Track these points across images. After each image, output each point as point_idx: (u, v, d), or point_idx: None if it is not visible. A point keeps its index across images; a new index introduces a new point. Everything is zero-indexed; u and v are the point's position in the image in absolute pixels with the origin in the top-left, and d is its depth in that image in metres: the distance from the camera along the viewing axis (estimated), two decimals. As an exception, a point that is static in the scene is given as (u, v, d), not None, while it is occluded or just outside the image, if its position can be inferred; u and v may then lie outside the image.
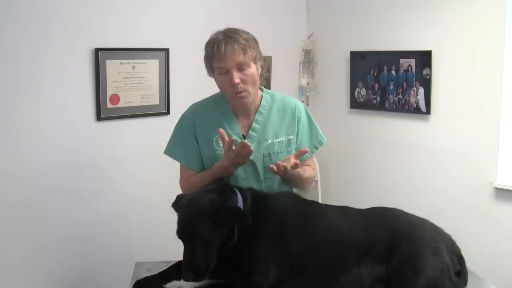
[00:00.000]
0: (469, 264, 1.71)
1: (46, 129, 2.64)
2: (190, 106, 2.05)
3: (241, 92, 1.86)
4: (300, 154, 1.85)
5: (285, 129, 1.99)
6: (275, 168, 1.78)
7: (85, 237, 2.82)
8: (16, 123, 2.54)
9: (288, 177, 1.89)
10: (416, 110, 3.38)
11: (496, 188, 3.05)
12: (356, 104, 3.75)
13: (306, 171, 1.98)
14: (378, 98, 3.60)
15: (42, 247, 2.64)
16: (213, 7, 3.30)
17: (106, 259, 2.89)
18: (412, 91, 3.39)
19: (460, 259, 1.67)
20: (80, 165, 2.78)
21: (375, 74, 3.59)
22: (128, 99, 2.95)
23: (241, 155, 1.77)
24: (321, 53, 3.94)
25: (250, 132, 1.97)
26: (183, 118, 2.03)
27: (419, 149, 3.41)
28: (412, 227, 1.67)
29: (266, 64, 3.65)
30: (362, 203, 1.91)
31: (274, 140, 1.97)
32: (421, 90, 3.33)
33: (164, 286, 1.67)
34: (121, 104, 2.92)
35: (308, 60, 3.94)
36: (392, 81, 3.51)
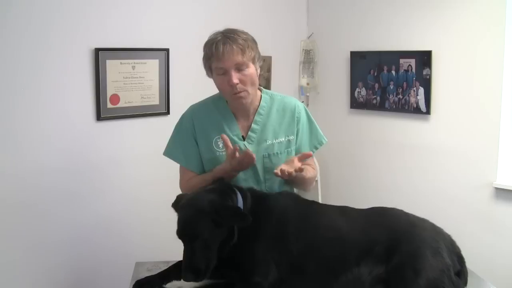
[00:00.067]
0: (469, 264, 1.71)
1: (46, 129, 2.63)
2: (190, 107, 2.05)
3: (239, 92, 1.86)
4: (303, 157, 1.85)
5: (285, 129, 1.99)
6: (279, 173, 1.78)
7: (85, 237, 2.81)
8: (16, 123, 2.53)
9: (292, 179, 1.89)
10: (416, 110, 3.38)
11: (496, 188, 3.05)
12: (356, 104, 3.75)
13: (307, 171, 1.98)
14: (378, 98, 3.60)
15: (42, 247, 2.64)
16: (213, 7, 3.30)
17: (106, 259, 2.89)
18: (412, 91, 3.39)
19: (460, 259, 1.67)
20: (79, 165, 2.78)
21: (375, 74, 3.59)
22: (128, 99, 2.95)
23: (243, 163, 1.79)
24: (321, 53, 3.94)
25: (249, 133, 1.97)
26: (182, 119, 2.03)
27: (419, 149, 3.41)
28: (412, 227, 1.67)
29: (266, 64, 3.65)
30: (362, 203, 1.91)
31: (274, 141, 1.97)
32: (421, 90, 3.33)
33: (164, 286, 1.67)
34: (121, 104, 2.92)
35: (308, 60, 3.94)
36: (392, 81, 3.51)
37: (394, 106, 3.52)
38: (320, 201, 3.53)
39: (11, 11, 2.46)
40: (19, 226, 2.56)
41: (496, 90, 3.01)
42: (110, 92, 2.86)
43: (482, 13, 3.03)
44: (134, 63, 2.94)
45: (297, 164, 1.81)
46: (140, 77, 2.98)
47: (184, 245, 1.53)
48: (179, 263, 1.66)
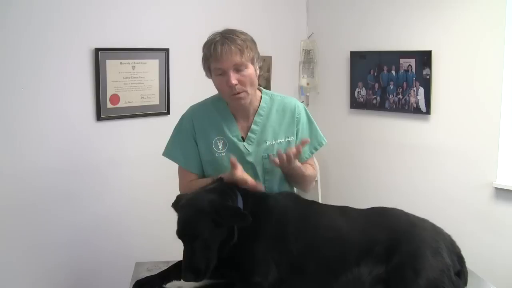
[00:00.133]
0: (469, 264, 1.71)
1: (45, 129, 2.63)
2: (189, 107, 2.05)
3: (238, 93, 1.85)
4: (302, 145, 1.83)
5: (285, 130, 1.99)
6: (277, 160, 1.77)
7: (85, 238, 2.81)
8: (16, 123, 2.53)
9: (290, 173, 1.89)
10: (416, 110, 3.38)
11: (496, 188, 3.05)
12: (356, 104, 3.75)
13: (307, 169, 1.98)
14: (378, 98, 3.60)
15: (42, 247, 2.64)
16: (213, 7, 3.30)
17: (106, 259, 2.89)
18: (412, 91, 3.39)
19: (460, 259, 1.67)
20: (79, 165, 2.77)
21: (375, 74, 3.59)
22: (128, 99, 2.95)
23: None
24: (321, 53, 3.94)
25: (249, 134, 1.96)
26: (182, 120, 2.02)
27: (419, 149, 3.41)
28: (412, 227, 1.67)
29: (266, 64, 3.65)
30: (362, 203, 1.91)
31: (274, 141, 1.96)
32: (421, 90, 3.33)
33: (164, 286, 1.67)
34: (121, 104, 2.92)
35: (308, 60, 3.94)
36: (392, 81, 3.50)
37: (394, 106, 3.52)
38: (320, 201, 3.53)
39: (11, 11, 2.46)
40: (19, 227, 2.55)
41: (496, 90, 3.01)
42: (110, 92, 2.86)
43: (482, 13, 3.03)
44: (134, 63, 2.94)
45: (294, 149, 1.80)
46: (140, 77, 2.98)
47: (184, 245, 1.53)
48: (179, 263, 1.66)
